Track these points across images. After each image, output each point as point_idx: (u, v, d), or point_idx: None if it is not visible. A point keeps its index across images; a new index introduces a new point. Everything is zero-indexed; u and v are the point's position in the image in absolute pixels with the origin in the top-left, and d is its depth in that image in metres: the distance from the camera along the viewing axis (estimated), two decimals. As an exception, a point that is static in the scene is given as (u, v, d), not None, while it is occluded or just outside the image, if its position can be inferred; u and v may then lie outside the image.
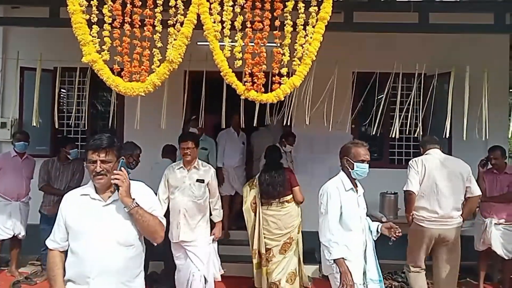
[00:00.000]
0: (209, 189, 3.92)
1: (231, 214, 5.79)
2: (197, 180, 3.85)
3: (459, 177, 3.76)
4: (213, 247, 3.97)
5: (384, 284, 4.88)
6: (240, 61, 3.22)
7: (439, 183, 3.74)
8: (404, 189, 3.84)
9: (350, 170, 3.03)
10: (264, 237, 4.30)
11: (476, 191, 3.76)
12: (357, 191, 3.09)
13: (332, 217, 2.90)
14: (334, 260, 2.84)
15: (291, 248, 4.31)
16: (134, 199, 2.16)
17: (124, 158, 2.56)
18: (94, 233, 2.15)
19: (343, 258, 2.84)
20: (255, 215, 4.36)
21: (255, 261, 4.40)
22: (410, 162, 3.93)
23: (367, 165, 3.05)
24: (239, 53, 3.22)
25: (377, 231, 3.07)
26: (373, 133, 5.17)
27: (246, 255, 4.68)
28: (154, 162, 4.85)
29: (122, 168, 2.17)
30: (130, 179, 2.20)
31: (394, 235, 2.91)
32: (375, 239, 3.09)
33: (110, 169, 2.17)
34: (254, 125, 5.00)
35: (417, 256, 3.86)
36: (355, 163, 3.02)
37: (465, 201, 3.81)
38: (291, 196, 4.30)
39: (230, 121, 5.40)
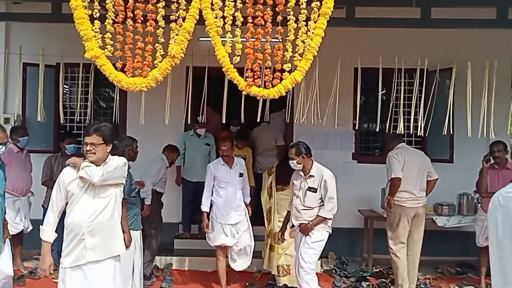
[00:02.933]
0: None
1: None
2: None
3: (424, 164, 4.58)
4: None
5: (379, 279, 4.95)
6: (239, 58, 3.23)
7: (413, 169, 4.48)
8: (392, 176, 4.44)
9: None
10: (278, 220, 4.73)
11: (434, 175, 4.58)
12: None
13: None
14: None
15: None
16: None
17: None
18: None
19: None
20: (269, 199, 4.90)
21: (265, 242, 4.89)
22: (391, 154, 4.54)
23: None
24: (240, 49, 3.22)
25: None
26: (375, 129, 5.17)
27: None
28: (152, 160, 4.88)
29: None
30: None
31: None
32: None
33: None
34: (258, 120, 5.02)
35: (402, 233, 4.52)
36: None
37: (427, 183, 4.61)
38: None
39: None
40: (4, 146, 3.39)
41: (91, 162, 2.85)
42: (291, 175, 4.44)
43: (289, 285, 4.66)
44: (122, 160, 2.98)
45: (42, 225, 2.87)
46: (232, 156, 4.59)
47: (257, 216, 5.18)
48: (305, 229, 3.83)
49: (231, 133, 6.06)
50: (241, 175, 4.58)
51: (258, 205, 5.24)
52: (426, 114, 4.97)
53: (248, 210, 4.69)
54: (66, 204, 2.89)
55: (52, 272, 2.92)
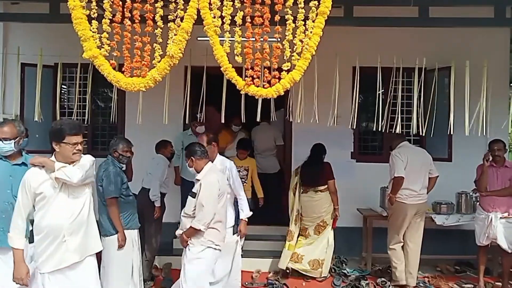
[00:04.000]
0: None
1: None
2: None
3: (426, 162, 4.71)
4: None
5: (378, 278, 4.96)
6: (240, 57, 3.23)
7: (416, 167, 4.61)
8: (396, 175, 4.56)
9: None
10: (301, 218, 5.07)
11: (435, 172, 4.72)
12: None
13: None
14: None
15: (324, 230, 5.01)
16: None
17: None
18: None
19: None
20: (294, 198, 5.12)
21: (288, 242, 5.04)
22: (394, 153, 4.67)
23: None
24: (239, 48, 3.22)
25: None
26: (374, 128, 5.17)
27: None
28: (151, 158, 4.87)
29: None
30: None
31: None
32: None
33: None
34: (258, 120, 5.02)
35: (401, 230, 4.68)
36: None
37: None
38: (325, 186, 4.99)
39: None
40: (13, 142, 3.11)
41: (71, 162, 2.75)
42: (313, 177, 4.95)
43: (300, 270, 4.95)
44: (91, 158, 2.93)
45: (10, 230, 2.71)
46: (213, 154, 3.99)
47: (268, 217, 5.42)
48: (181, 241, 3.51)
49: (232, 133, 6.05)
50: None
51: (268, 206, 5.40)
52: (425, 113, 4.97)
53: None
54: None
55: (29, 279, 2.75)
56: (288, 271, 5.02)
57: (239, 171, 4.50)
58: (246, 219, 4.07)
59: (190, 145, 3.76)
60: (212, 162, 3.81)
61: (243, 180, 4.75)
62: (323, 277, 4.97)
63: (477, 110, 4.64)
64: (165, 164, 4.80)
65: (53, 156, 2.80)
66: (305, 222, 5.08)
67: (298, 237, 5.09)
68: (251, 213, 4.15)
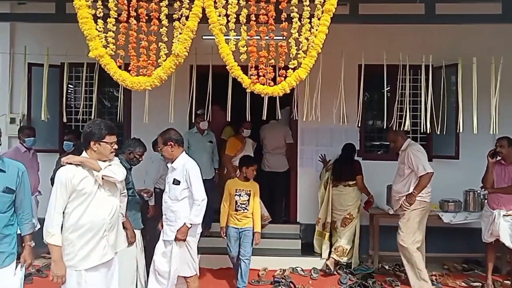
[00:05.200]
0: None
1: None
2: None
3: None
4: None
5: (391, 276, 4.94)
6: (245, 55, 3.23)
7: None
8: (428, 171, 4.41)
9: None
10: (334, 213, 5.37)
11: None
12: None
13: None
14: None
15: (351, 223, 5.28)
16: None
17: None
18: None
19: None
20: (325, 192, 5.43)
21: (317, 228, 5.52)
22: (417, 148, 4.54)
23: None
24: (243, 46, 3.22)
25: None
26: (380, 126, 5.15)
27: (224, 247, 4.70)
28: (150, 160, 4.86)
29: None
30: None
31: None
32: None
33: None
34: (264, 118, 5.00)
35: (422, 230, 4.57)
36: None
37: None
38: (353, 182, 5.31)
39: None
40: None
41: (104, 161, 2.86)
42: (344, 172, 5.28)
43: (342, 261, 5.21)
44: (116, 157, 3.03)
45: (47, 227, 2.70)
46: (171, 155, 3.76)
47: (275, 215, 5.56)
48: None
49: (242, 138, 5.87)
50: (177, 182, 3.68)
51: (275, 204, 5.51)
52: (432, 110, 4.93)
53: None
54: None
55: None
56: (327, 270, 5.14)
57: (239, 195, 4.35)
58: (189, 225, 3.61)
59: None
60: (172, 162, 3.75)
61: (243, 206, 4.36)
62: (348, 263, 5.27)
63: (485, 108, 4.59)
64: (158, 161, 4.74)
65: (85, 155, 2.84)
66: (334, 215, 5.36)
67: (320, 232, 5.47)
68: (198, 221, 3.66)
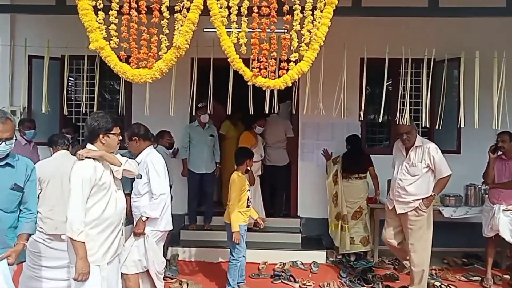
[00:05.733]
0: None
1: None
2: None
3: None
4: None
5: (391, 270, 4.95)
6: (245, 48, 3.20)
7: None
8: (450, 172, 4.15)
9: None
10: (346, 205, 5.35)
11: None
12: None
13: None
14: None
15: (361, 215, 5.35)
16: None
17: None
18: None
19: None
20: (335, 185, 5.46)
21: (333, 222, 5.52)
22: (436, 148, 4.18)
23: None
24: (243, 38, 3.19)
25: None
26: (381, 120, 5.13)
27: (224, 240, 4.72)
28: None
29: None
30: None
31: None
32: None
33: None
34: (265, 112, 4.97)
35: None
36: None
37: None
38: (365, 174, 5.38)
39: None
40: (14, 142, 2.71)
41: (111, 152, 2.86)
42: (356, 165, 5.32)
43: (357, 252, 5.29)
44: None
45: (74, 225, 2.59)
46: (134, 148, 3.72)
47: (275, 209, 5.66)
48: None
49: (255, 134, 5.79)
50: (139, 176, 3.57)
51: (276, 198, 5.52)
52: (434, 104, 4.91)
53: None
54: None
55: None
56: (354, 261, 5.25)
57: (249, 190, 4.31)
58: (144, 218, 3.52)
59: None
60: (135, 157, 3.64)
61: (251, 200, 4.32)
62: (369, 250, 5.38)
63: (487, 102, 4.56)
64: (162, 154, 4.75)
65: (92, 147, 2.81)
66: (344, 208, 5.35)
67: (342, 227, 5.42)
68: (155, 216, 3.55)
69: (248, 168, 4.40)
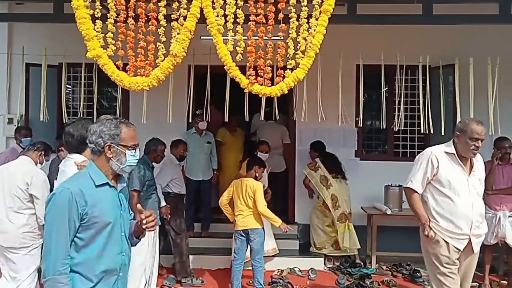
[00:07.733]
0: None
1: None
2: None
3: None
4: None
5: (389, 277, 4.94)
6: (240, 55, 3.23)
7: None
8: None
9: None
10: (338, 206, 5.37)
11: None
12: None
13: None
14: None
15: (347, 218, 5.38)
16: None
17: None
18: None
19: None
20: (327, 189, 5.39)
21: (342, 225, 5.37)
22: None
23: None
24: (239, 46, 3.23)
25: None
26: (378, 126, 5.16)
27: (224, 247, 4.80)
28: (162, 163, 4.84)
29: None
30: None
31: None
32: None
33: None
34: (261, 119, 5.00)
35: None
36: None
37: None
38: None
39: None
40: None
41: None
42: (337, 165, 5.39)
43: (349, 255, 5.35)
44: None
45: None
46: None
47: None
48: None
49: (260, 161, 5.07)
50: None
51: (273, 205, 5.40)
52: (428, 111, 4.94)
53: None
54: None
55: None
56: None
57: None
58: None
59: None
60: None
61: None
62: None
63: (482, 108, 4.60)
64: (167, 164, 4.76)
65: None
66: (347, 207, 5.39)
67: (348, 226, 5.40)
68: None
69: (257, 175, 4.43)
